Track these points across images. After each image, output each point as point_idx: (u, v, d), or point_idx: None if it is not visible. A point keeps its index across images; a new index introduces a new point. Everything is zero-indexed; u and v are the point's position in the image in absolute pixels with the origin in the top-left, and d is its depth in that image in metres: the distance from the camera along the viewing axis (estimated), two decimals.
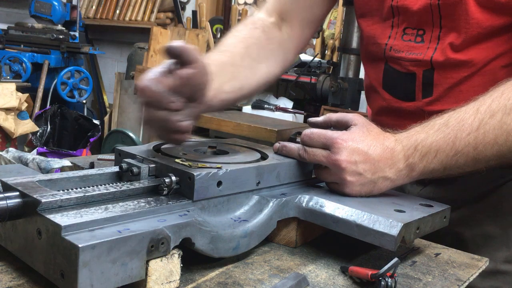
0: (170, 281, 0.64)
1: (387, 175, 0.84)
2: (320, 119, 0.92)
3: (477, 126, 0.83)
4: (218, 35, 4.23)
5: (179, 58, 0.76)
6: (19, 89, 3.54)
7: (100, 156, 1.23)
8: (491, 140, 0.83)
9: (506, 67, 0.95)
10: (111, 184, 0.71)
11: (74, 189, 0.68)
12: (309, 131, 0.87)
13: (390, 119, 1.07)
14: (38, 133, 3.91)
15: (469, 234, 1.06)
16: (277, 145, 0.92)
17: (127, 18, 4.82)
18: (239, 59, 1.04)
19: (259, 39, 1.10)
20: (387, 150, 0.84)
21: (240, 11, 4.31)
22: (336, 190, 0.86)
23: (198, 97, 0.81)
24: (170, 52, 0.76)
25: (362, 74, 3.38)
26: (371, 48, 1.10)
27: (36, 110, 4.05)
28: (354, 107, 3.28)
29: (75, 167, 1.12)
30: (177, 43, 0.75)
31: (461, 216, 1.05)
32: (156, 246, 0.61)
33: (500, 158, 0.85)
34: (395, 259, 0.69)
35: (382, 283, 0.68)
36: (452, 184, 1.06)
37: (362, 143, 0.83)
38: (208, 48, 4.09)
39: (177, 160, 0.77)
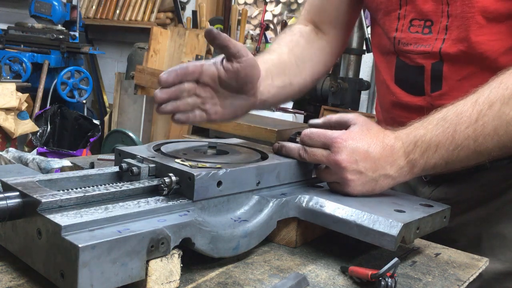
0: (170, 281, 0.64)
1: (388, 172, 0.84)
2: (320, 120, 0.92)
3: (476, 118, 0.82)
4: None
5: (224, 49, 0.85)
6: (19, 89, 3.53)
7: (100, 156, 1.23)
8: (491, 131, 0.81)
9: None
10: (111, 184, 0.71)
11: (74, 189, 0.68)
12: (308, 131, 0.87)
13: (401, 114, 1.06)
14: (38, 133, 3.90)
15: (485, 235, 1.03)
16: (276, 145, 0.91)
17: (127, 18, 4.82)
18: (286, 58, 1.10)
19: (300, 43, 1.17)
20: (387, 147, 0.84)
21: (240, 11, 4.30)
22: (338, 190, 0.86)
23: (248, 90, 0.92)
24: (214, 39, 0.84)
25: (362, 74, 3.38)
26: (383, 42, 1.09)
27: (36, 110, 4.05)
28: (354, 107, 3.28)
29: (75, 167, 1.12)
30: (223, 35, 0.84)
31: (476, 217, 1.03)
32: (156, 246, 0.61)
33: (502, 149, 0.84)
34: (395, 259, 0.69)
35: (382, 283, 0.68)
36: (465, 183, 1.04)
37: (362, 142, 0.83)
38: (208, 48, 4.08)
39: (177, 160, 0.77)
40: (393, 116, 1.09)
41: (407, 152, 0.84)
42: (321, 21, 1.22)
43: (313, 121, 0.93)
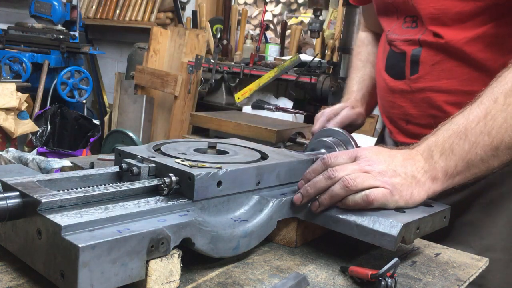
0: (170, 281, 0.64)
1: (416, 175, 0.83)
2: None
3: (484, 114, 0.83)
4: (218, 35, 4.22)
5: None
6: (19, 89, 3.53)
7: (100, 156, 1.23)
8: (502, 122, 0.82)
9: (483, 51, 1.01)
10: (111, 184, 0.71)
11: (74, 189, 0.68)
12: (332, 155, 0.84)
13: (388, 97, 1.20)
14: (38, 133, 3.90)
15: (458, 223, 1.06)
16: (299, 195, 0.82)
17: (127, 18, 4.82)
18: (371, 73, 1.42)
19: (374, 52, 1.43)
20: (405, 152, 0.85)
21: (240, 11, 4.30)
22: (366, 201, 0.78)
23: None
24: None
25: None
26: (383, 36, 1.25)
27: (36, 110, 4.04)
28: None
29: (75, 167, 1.12)
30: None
31: (450, 204, 1.05)
32: (156, 246, 0.61)
33: None
34: (395, 259, 0.69)
35: (382, 283, 0.68)
36: None
37: (381, 149, 0.85)
38: (208, 48, 4.08)
39: (177, 160, 0.77)
40: (383, 102, 1.24)
41: (425, 157, 0.84)
42: (373, 29, 1.48)
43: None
